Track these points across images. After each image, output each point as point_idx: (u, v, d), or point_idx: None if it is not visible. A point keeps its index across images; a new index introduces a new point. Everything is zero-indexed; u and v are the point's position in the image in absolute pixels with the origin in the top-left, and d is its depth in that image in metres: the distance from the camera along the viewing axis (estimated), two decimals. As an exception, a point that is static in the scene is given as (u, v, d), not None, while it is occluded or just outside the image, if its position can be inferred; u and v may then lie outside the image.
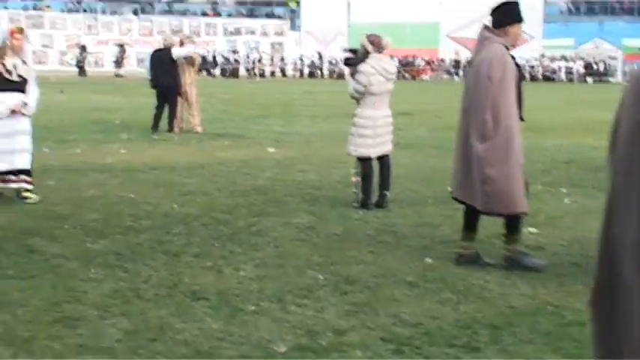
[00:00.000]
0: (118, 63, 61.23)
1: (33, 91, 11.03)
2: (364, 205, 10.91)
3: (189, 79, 20.28)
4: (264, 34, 74.64)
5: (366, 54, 10.89)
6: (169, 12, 72.56)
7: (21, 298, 6.85)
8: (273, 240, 9.11)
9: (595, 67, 65.94)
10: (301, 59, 70.51)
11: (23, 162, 10.89)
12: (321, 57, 69.77)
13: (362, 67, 10.78)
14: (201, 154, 16.40)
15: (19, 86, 10.86)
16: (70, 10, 68.73)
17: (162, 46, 20.97)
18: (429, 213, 10.80)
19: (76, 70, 58.41)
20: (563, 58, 66.89)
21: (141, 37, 68.48)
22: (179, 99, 20.11)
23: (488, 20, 8.17)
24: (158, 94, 20.17)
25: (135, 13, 70.84)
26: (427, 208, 11.09)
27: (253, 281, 7.49)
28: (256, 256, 8.37)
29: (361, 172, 11.02)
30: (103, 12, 69.88)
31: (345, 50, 12.32)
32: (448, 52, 71.80)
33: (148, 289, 7.19)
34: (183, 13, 73.46)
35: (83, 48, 60.74)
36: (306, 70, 69.63)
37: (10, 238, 8.92)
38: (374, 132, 10.89)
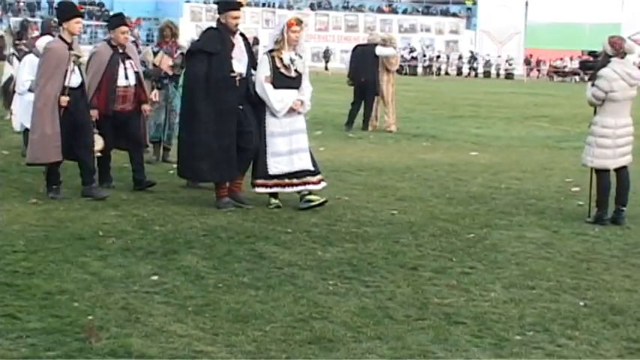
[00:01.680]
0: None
1: (307, 87, 10.43)
2: (599, 220, 10.08)
3: (387, 77, 19.76)
4: (440, 31, 73.75)
5: (606, 58, 10.07)
6: (346, 7, 72.43)
7: (265, 312, 6.39)
8: (513, 256, 8.42)
9: None
10: (475, 58, 69.23)
11: (303, 162, 10.27)
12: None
13: (603, 71, 9.95)
14: (403, 155, 15.81)
15: (296, 82, 10.27)
16: (248, 4, 69.45)
17: (365, 42, 20.68)
18: (673, 233, 9.91)
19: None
20: None
21: (317, 32, 68.62)
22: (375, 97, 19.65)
23: None
24: (355, 91, 19.71)
25: (312, 7, 70.99)
26: (669, 228, 10.18)
27: (508, 305, 6.82)
28: (501, 275, 7.70)
29: (598, 184, 10.18)
30: (280, 6, 70.29)
31: (584, 53, 11.40)
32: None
33: (396, 309, 6.62)
34: (360, 8, 73.21)
35: (256, 40, 61.04)
36: (481, 70, 68.37)
37: (237, 241, 8.52)
38: (614, 142, 10.03)
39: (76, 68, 10.24)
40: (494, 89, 44.63)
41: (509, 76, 65.78)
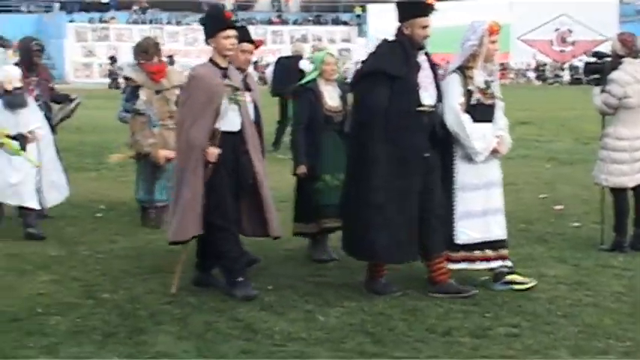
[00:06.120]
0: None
1: (501, 118, 7.39)
2: (618, 247, 8.68)
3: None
4: (332, 40, 72.57)
5: (617, 59, 8.68)
6: (235, 20, 70.67)
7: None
8: (552, 305, 6.89)
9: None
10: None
11: (500, 228, 7.40)
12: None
13: (615, 75, 8.57)
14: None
15: (491, 113, 7.30)
16: (135, 22, 67.04)
17: (290, 54, 18.88)
18: None
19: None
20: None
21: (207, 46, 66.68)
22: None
23: None
24: (282, 105, 17.83)
25: (202, 22, 68.86)
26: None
27: None
28: (558, 335, 6.14)
29: (615, 206, 8.78)
30: (169, 22, 68.13)
31: (589, 54, 9.96)
32: (519, 55, 69.17)
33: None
34: (250, 21, 71.56)
35: (112, 59, 57.15)
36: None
37: (214, 308, 6.77)
38: (631, 156, 8.63)
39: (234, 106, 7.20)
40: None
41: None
